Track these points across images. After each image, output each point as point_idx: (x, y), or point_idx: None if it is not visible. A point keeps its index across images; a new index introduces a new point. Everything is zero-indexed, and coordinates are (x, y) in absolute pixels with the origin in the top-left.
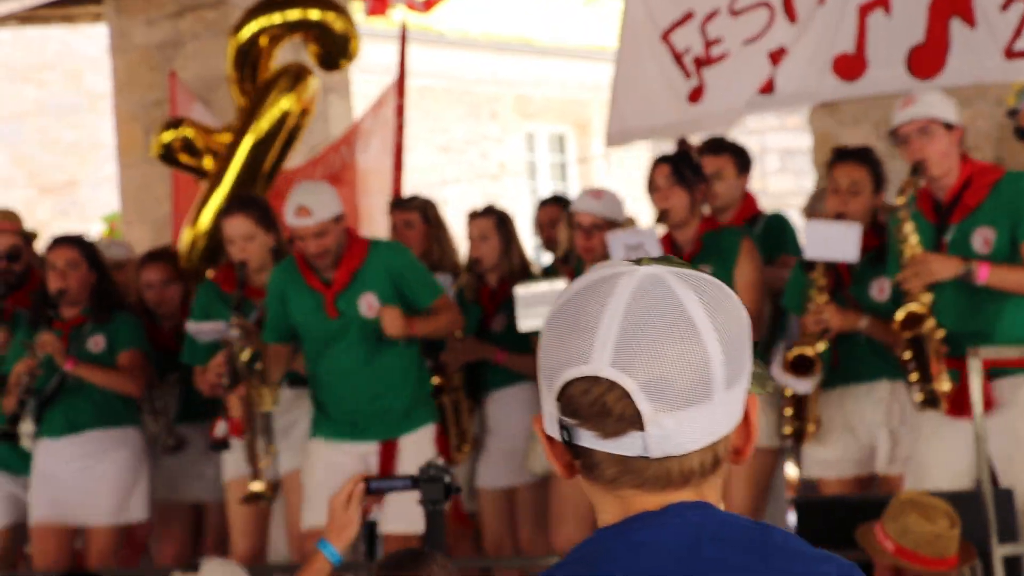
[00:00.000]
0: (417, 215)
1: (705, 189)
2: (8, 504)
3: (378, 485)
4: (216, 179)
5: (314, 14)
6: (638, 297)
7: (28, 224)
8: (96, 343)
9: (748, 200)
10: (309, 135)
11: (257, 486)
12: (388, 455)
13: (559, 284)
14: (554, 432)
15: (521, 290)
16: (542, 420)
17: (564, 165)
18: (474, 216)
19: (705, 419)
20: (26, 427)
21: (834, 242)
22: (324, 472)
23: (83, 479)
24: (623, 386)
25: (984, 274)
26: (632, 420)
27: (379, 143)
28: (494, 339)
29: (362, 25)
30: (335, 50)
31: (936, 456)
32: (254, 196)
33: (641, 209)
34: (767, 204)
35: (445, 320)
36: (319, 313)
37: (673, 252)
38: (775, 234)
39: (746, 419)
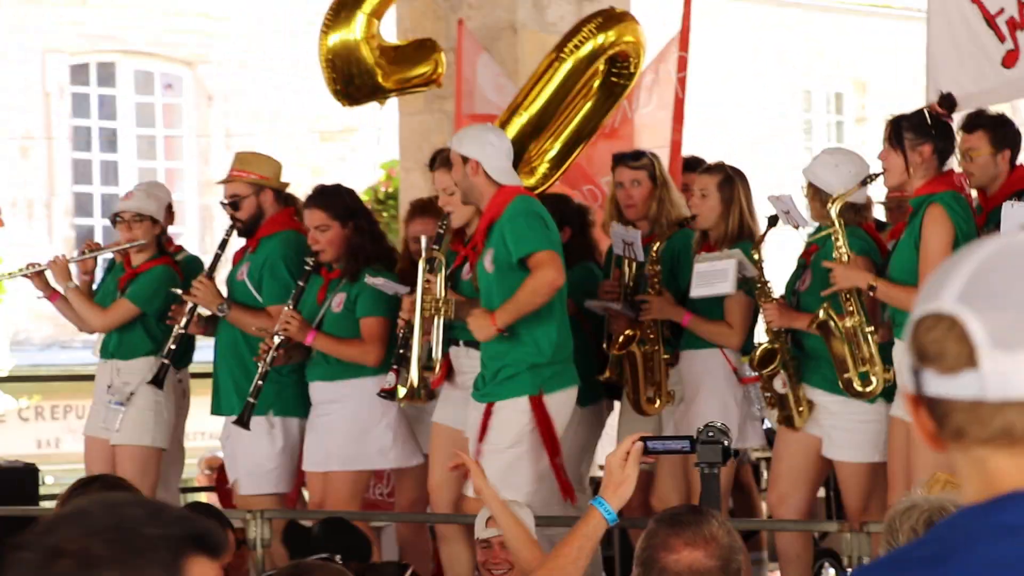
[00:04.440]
0: (645, 173)
1: (929, 150)
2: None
3: (655, 445)
4: (515, 107)
5: None
6: (1006, 246)
7: (304, 170)
8: (339, 302)
9: (1018, 173)
10: None
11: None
12: (485, 420)
13: (732, 258)
14: (911, 386)
15: (699, 264)
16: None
17: (841, 124)
18: (700, 171)
19: None
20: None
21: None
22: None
23: (317, 428)
24: (962, 319)
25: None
26: (969, 357)
27: (658, 98)
28: (693, 301)
29: None
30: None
31: None
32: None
33: None
34: None
35: (530, 286)
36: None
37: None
38: None
39: None
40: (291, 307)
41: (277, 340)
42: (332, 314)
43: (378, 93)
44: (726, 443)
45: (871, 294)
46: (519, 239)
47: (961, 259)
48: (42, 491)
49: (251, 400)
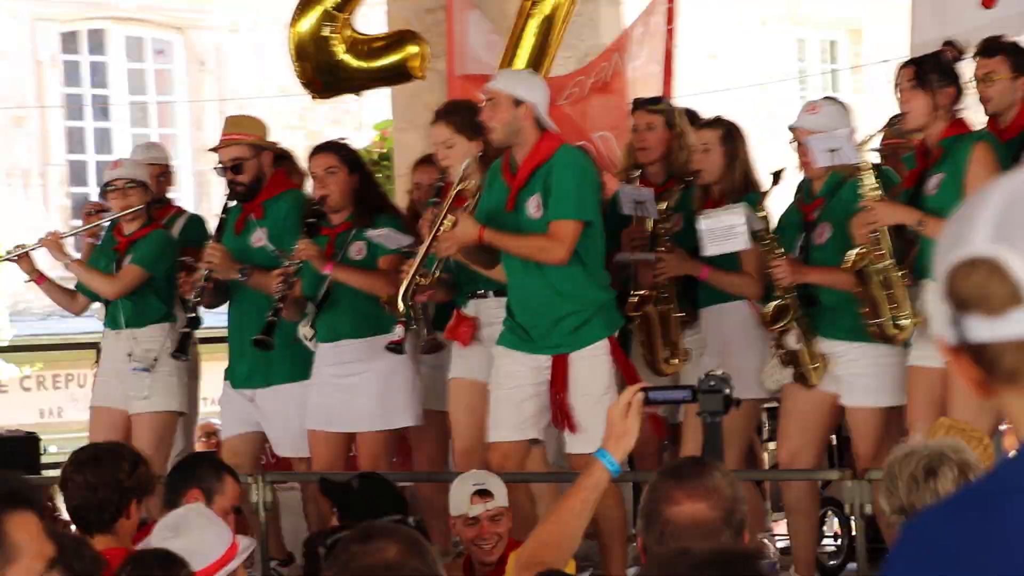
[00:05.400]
0: (660, 119)
1: (953, 93)
2: (237, 413)
3: (656, 395)
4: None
5: None
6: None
7: (299, 132)
8: (358, 249)
9: None
10: (579, 42)
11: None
12: (559, 370)
13: (738, 211)
14: (951, 337)
15: (704, 221)
16: (939, 340)
17: (835, 73)
18: (700, 126)
19: None
20: (304, 330)
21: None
22: (504, 381)
23: (347, 386)
24: (1001, 259)
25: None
26: (1014, 296)
27: (648, 51)
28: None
29: None
30: None
31: None
32: (461, 103)
33: None
34: None
35: (535, 245)
36: (502, 206)
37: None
38: None
39: None
40: (305, 239)
41: (295, 267)
42: (352, 262)
43: (350, 86)
44: (727, 392)
45: (920, 230)
46: (562, 200)
47: (983, 200)
48: (44, 460)
49: (272, 319)
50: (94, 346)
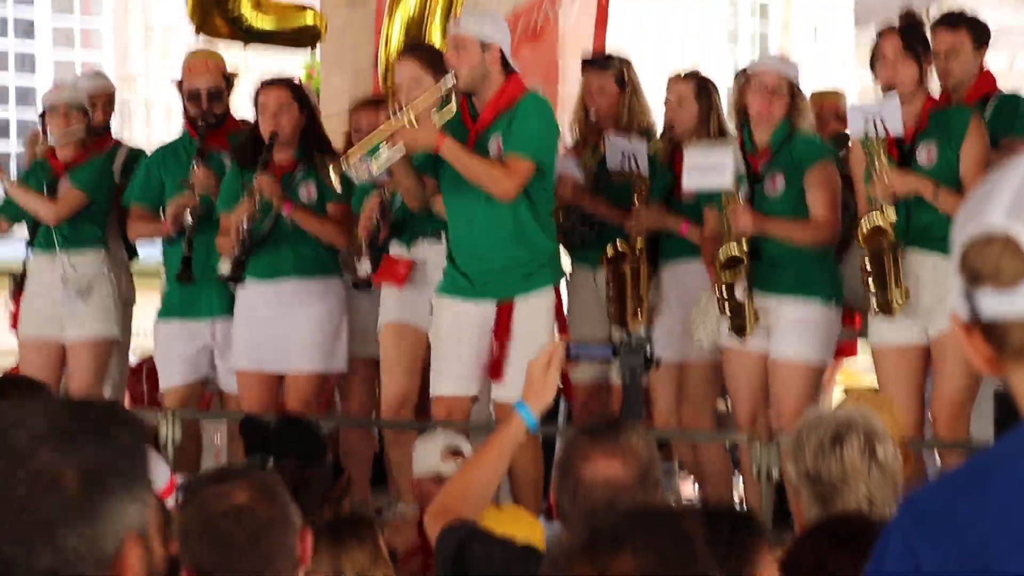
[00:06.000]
0: (611, 79)
1: (931, 63)
2: (185, 360)
3: (577, 351)
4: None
5: None
6: None
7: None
8: (308, 191)
9: (984, 77)
10: None
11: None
12: (504, 318)
13: (727, 147)
14: (963, 312)
15: (689, 153)
16: (956, 314)
17: (766, 35)
18: (674, 80)
19: None
20: (224, 266)
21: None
22: (446, 332)
23: (284, 326)
24: (1014, 233)
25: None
26: None
27: (581, 2)
28: (682, 210)
29: None
30: None
31: None
32: (424, 43)
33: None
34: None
35: (488, 172)
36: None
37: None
38: (1007, 116)
39: None
40: (265, 176)
41: (258, 203)
42: (303, 204)
43: (239, 34)
44: (648, 351)
45: (933, 202)
46: (523, 138)
47: (1003, 175)
48: None
49: (242, 258)
50: (4, 274)
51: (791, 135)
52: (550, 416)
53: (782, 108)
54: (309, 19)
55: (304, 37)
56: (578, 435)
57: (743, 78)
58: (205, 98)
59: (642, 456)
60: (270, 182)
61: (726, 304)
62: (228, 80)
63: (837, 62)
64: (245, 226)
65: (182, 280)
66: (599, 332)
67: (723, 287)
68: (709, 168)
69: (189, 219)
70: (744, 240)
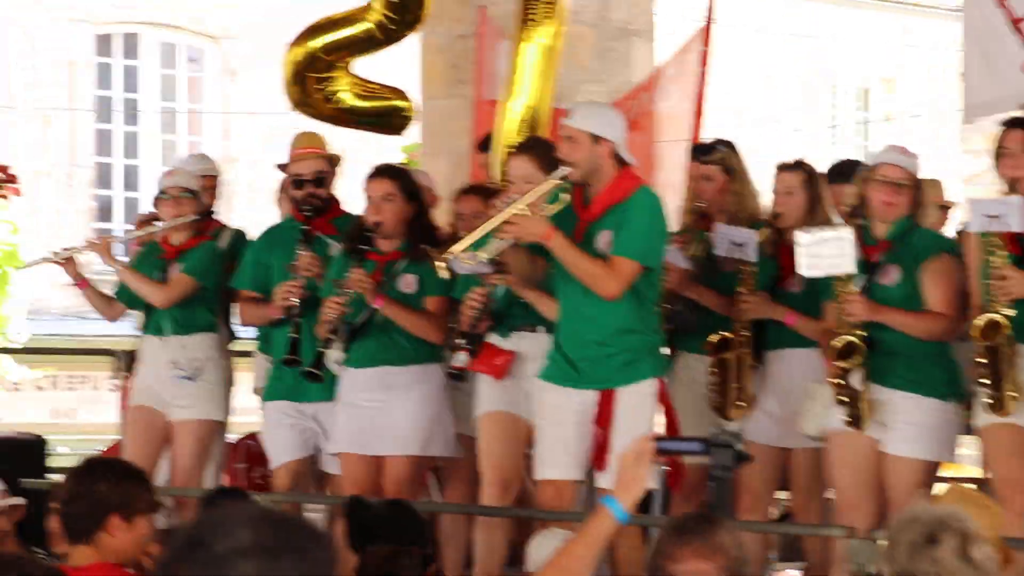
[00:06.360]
0: (717, 169)
1: None
2: (295, 437)
3: (667, 445)
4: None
5: None
6: None
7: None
8: (407, 283)
9: None
10: (610, 78)
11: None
12: (606, 407)
13: (845, 231)
14: None
15: (805, 237)
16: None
17: (867, 121)
18: (782, 169)
19: None
20: (335, 354)
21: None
22: (549, 417)
23: (384, 411)
24: None
25: None
26: None
27: (680, 89)
28: (787, 299)
29: None
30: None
31: None
32: (539, 139)
33: (945, 171)
34: None
35: (592, 272)
36: (570, 237)
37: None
38: None
39: None
40: (359, 269)
41: (348, 297)
42: (401, 295)
43: (334, 115)
44: (739, 448)
45: None
46: (631, 240)
47: None
48: (54, 463)
49: (322, 350)
50: (111, 353)
51: (911, 228)
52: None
53: (906, 203)
54: (402, 102)
55: (395, 122)
56: (667, 533)
57: (866, 171)
58: (309, 183)
59: (732, 554)
60: (361, 276)
61: (842, 394)
62: (332, 163)
63: (939, 151)
64: (333, 320)
65: (289, 364)
66: (703, 420)
67: (839, 376)
68: (828, 254)
69: (295, 304)
70: (861, 330)
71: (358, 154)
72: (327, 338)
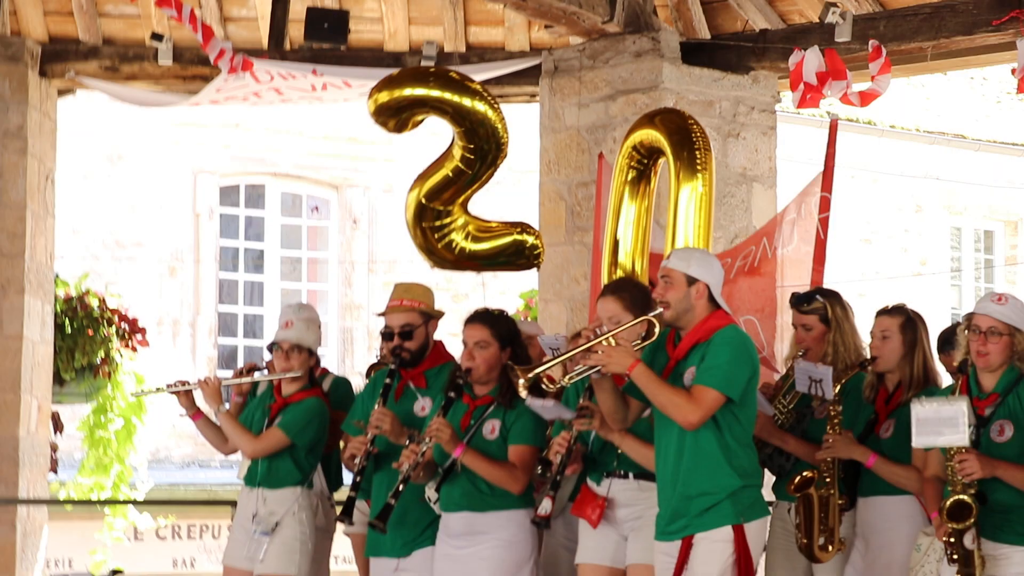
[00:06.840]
0: (815, 318)
1: None
2: None
3: None
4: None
5: None
6: None
7: (446, 294)
8: (492, 428)
9: None
10: (730, 223)
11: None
12: (683, 555)
13: (960, 403)
14: None
15: (919, 408)
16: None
17: (991, 263)
18: (880, 313)
19: None
20: (430, 494)
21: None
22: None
23: (470, 555)
24: None
25: None
26: None
27: (800, 233)
28: (878, 444)
29: (787, 112)
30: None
31: None
32: (629, 280)
33: None
34: None
35: (673, 401)
36: (660, 374)
37: None
38: None
39: None
40: (440, 419)
41: (425, 446)
42: (483, 440)
43: (466, 263)
44: None
45: None
46: (712, 369)
47: None
48: None
49: (391, 502)
50: (230, 502)
51: (1018, 379)
52: None
53: (998, 353)
54: (527, 236)
55: (525, 257)
56: None
57: (966, 322)
58: (396, 336)
59: None
60: (440, 425)
61: (954, 551)
62: (426, 315)
63: None
64: (406, 469)
65: (375, 528)
66: (797, 567)
67: (950, 535)
68: (941, 423)
69: (361, 462)
70: (969, 486)
71: (475, 296)
72: (403, 479)
